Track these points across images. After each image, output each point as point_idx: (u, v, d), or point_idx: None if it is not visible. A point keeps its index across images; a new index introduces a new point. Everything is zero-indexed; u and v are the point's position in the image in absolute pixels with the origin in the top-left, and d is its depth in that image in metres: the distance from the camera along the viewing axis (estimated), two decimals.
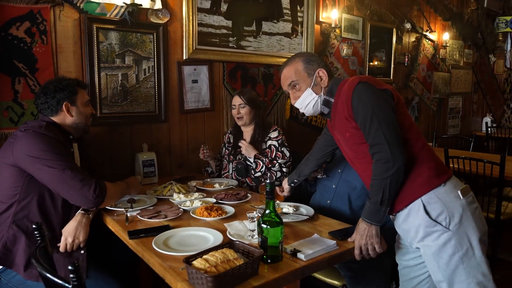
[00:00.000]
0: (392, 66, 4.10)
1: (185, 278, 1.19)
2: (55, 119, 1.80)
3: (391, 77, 4.13)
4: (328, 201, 2.03)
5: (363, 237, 1.43)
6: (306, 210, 1.81)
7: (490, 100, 5.82)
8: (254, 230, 1.47)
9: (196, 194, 2.04)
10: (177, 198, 1.99)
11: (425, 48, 4.53)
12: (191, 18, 2.59)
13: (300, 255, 1.32)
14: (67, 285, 1.03)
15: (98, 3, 2.26)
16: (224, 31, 2.79)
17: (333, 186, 2.03)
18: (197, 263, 1.16)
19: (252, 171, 2.42)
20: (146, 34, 2.45)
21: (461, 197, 1.39)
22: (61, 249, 1.68)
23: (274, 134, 2.46)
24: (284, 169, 2.38)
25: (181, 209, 1.82)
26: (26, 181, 1.65)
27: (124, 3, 2.24)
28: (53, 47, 2.15)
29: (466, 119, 5.43)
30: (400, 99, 1.47)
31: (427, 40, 4.52)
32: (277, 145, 2.42)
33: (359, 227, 1.45)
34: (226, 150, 2.61)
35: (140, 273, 2.13)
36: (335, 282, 1.85)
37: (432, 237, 1.40)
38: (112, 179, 2.30)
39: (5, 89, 2.03)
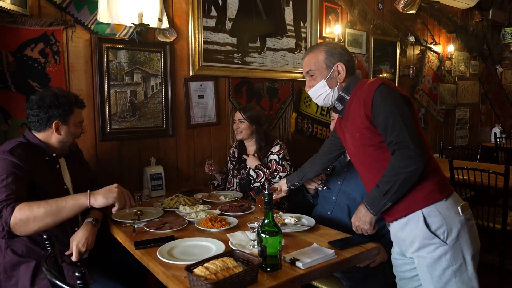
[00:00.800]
0: (397, 78, 4.15)
1: (187, 286, 1.25)
2: (39, 135, 1.76)
3: None
4: (329, 212, 2.07)
5: (359, 219, 1.54)
6: (307, 220, 1.85)
7: (499, 111, 5.80)
8: (255, 240, 1.52)
9: (202, 206, 2.10)
10: (183, 210, 2.05)
11: (430, 60, 4.57)
12: (197, 36, 2.70)
13: (299, 264, 1.36)
14: None
15: (108, 24, 2.38)
16: (229, 47, 2.88)
17: (333, 198, 2.07)
18: (198, 270, 1.21)
19: (252, 180, 2.48)
20: (154, 52, 2.56)
21: (460, 213, 1.43)
22: (75, 258, 1.71)
23: (275, 149, 2.52)
24: (274, 181, 2.44)
25: (186, 220, 1.88)
26: None
27: (132, 23, 2.35)
28: (65, 67, 2.26)
29: (475, 130, 5.41)
30: (415, 109, 1.50)
31: (432, 52, 4.57)
32: (278, 159, 2.48)
33: (359, 209, 1.55)
34: (231, 165, 2.67)
35: (148, 282, 2.18)
36: None
37: (429, 249, 1.43)
38: None
39: (20, 107, 2.13)
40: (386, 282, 1.81)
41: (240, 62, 2.95)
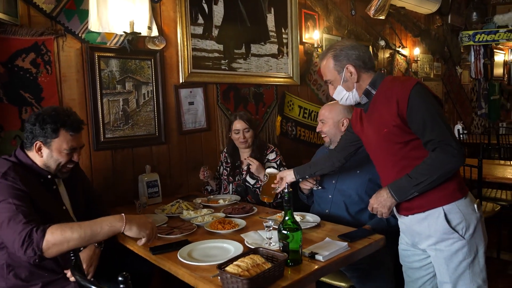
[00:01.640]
0: None
1: (218, 284, 1.29)
2: (30, 155, 1.66)
3: None
4: (327, 210, 2.16)
5: (378, 202, 1.57)
6: (312, 218, 1.94)
7: (460, 109, 6.19)
8: (271, 238, 1.58)
9: (205, 210, 2.13)
10: (187, 215, 2.07)
11: (399, 63, 4.83)
12: (185, 43, 2.73)
13: (318, 257, 1.44)
14: None
15: (99, 33, 2.36)
16: (216, 54, 2.94)
17: (329, 196, 2.16)
18: (230, 268, 1.26)
19: (250, 187, 2.52)
20: (144, 60, 2.57)
21: (477, 210, 1.53)
22: (69, 275, 1.66)
23: (272, 156, 2.57)
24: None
25: (194, 225, 1.91)
26: None
27: (124, 32, 2.35)
28: (57, 76, 2.23)
29: None
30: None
31: (400, 55, 4.83)
32: (276, 167, 2.53)
33: (381, 193, 1.57)
34: (225, 171, 2.69)
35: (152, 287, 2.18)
36: (342, 284, 1.96)
37: (447, 242, 1.51)
38: (116, 202, 2.38)
39: (12, 119, 2.09)
40: (388, 273, 1.93)
41: (227, 68, 3.01)
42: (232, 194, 2.60)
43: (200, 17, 2.83)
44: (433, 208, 1.51)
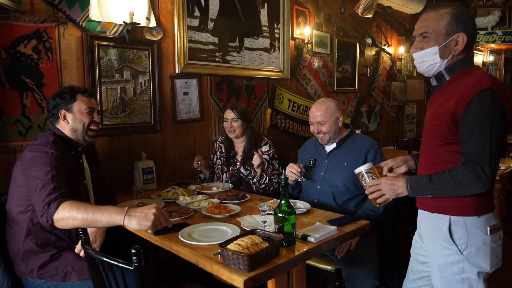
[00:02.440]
0: (356, 77, 4.51)
1: (218, 262, 1.40)
2: (60, 127, 1.90)
3: (356, 87, 4.53)
4: (315, 200, 2.29)
5: (391, 186, 1.51)
6: (303, 205, 2.07)
7: None
8: (266, 221, 1.70)
9: (200, 196, 2.24)
10: (184, 200, 2.17)
11: (384, 61, 5.00)
12: (182, 35, 2.80)
13: (310, 239, 1.57)
14: (129, 267, 1.22)
15: (99, 22, 2.42)
16: (211, 46, 3.02)
17: (318, 187, 2.28)
18: (231, 247, 1.37)
19: (258, 182, 2.60)
20: (142, 50, 2.63)
21: (488, 233, 1.40)
22: (77, 250, 1.81)
23: (265, 148, 2.67)
24: (273, 180, 2.60)
25: (191, 209, 2.02)
26: None
27: (123, 22, 2.41)
28: (57, 63, 2.28)
29: (421, 124, 5.97)
30: (508, 122, 1.37)
31: (385, 53, 5.00)
32: (268, 159, 2.65)
33: (399, 180, 1.50)
34: (219, 160, 2.79)
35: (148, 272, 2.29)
36: (329, 267, 2.11)
37: (444, 251, 1.45)
38: (112, 187, 2.46)
39: (14, 104, 2.14)
40: (373, 257, 2.06)
41: (221, 61, 3.10)
42: (225, 182, 2.71)
43: (196, 10, 2.91)
44: (441, 214, 1.46)
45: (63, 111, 1.88)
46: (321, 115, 2.23)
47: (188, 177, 2.93)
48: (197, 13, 2.91)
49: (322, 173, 2.29)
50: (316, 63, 3.91)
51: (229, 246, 1.38)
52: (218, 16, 3.05)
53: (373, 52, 4.81)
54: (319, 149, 2.37)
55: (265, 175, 2.58)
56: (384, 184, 1.54)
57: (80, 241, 1.78)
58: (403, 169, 1.71)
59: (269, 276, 1.38)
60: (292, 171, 2.20)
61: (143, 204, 2.07)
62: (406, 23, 5.33)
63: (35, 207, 1.64)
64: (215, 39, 3.04)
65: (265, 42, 3.42)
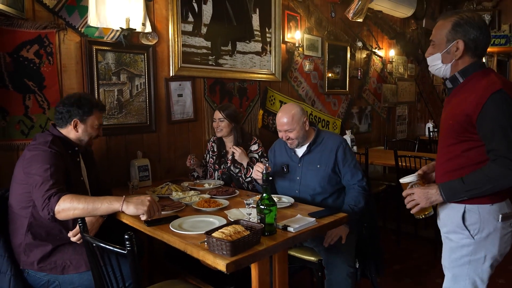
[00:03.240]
0: (347, 79, 4.65)
1: (204, 249, 1.54)
2: (62, 131, 2.01)
3: (347, 89, 4.68)
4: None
5: (423, 194, 1.58)
6: (287, 199, 2.21)
7: (431, 108, 6.58)
8: (251, 214, 1.84)
9: (192, 192, 2.38)
10: (176, 195, 2.31)
11: (375, 63, 5.15)
12: (176, 39, 2.95)
13: (290, 229, 1.71)
14: (122, 251, 1.36)
15: (97, 28, 2.56)
16: (205, 50, 3.17)
17: (296, 191, 2.36)
18: (216, 234, 1.51)
19: (244, 176, 2.74)
20: (138, 54, 2.78)
21: (499, 220, 1.51)
22: (71, 234, 1.91)
23: (254, 147, 2.82)
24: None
25: (183, 203, 2.16)
26: None
27: (120, 27, 2.55)
28: (58, 67, 2.42)
29: (412, 125, 6.12)
30: None
31: (376, 56, 5.15)
32: (257, 157, 2.79)
33: (431, 187, 1.58)
34: (211, 159, 2.93)
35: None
36: (312, 258, 2.25)
37: (457, 236, 1.58)
38: (110, 184, 2.60)
39: (17, 105, 2.28)
40: (351, 247, 2.21)
41: (214, 64, 3.24)
42: (217, 180, 2.84)
43: (190, 15, 3.05)
44: (456, 203, 1.56)
45: (76, 120, 2.00)
46: (288, 122, 2.25)
47: (182, 175, 3.06)
48: (190, 18, 3.05)
49: (298, 178, 2.37)
50: (307, 66, 4.05)
51: (214, 234, 1.52)
52: (211, 21, 3.19)
53: (363, 55, 4.96)
54: (290, 153, 2.41)
55: (251, 169, 2.71)
56: (418, 193, 1.60)
57: (77, 228, 1.92)
58: (434, 175, 1.77)
59: (250, 261, 1.51)
60: (257, 170, 2.24)
61: None
62: (397, 27, 5.48)
63: (35, 202, 1.77)
64: (208, 43, 3.19)
65: (257, 46, 3.57)
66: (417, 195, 1.60)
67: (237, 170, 2.78)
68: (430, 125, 6.25)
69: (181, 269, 2.64)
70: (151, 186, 2.67)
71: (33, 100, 2.33)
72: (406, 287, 2.91)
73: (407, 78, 5.87)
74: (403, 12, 5.33)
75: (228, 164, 2.82)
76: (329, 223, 1.87)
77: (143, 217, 1.78)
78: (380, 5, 4.91)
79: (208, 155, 2.98)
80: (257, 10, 3.54)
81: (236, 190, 2.44)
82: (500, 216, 1.51)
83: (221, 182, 2.71)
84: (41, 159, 1.80)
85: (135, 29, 2.61)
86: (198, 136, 3.21)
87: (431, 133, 5.94)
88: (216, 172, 2.87)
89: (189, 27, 3.05)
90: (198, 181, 2.76)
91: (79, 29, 2.50)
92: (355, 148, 4.17)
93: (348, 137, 4.21)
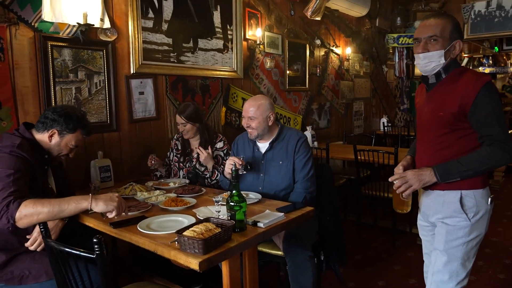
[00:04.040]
0: (307, 76, 4.76)
1: (175, 248, 1.53)
2: (36, 135, 1.91)
3: (307, 86, 4.78)
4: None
5: (417, 176, 1.65)
6: (254, 195, 2.23)
7: (385, 104, 6.88)
8: (220, 211, 1.85)
9: (158, 191, 2.34)
10: (141, 195, 2.26)
11: (333, 61, 5.30)
12: (136, 36, 2.88)
13: (260, 224, 1.74)
14: (91, 255, 1.32)
15: (52, 23, 2.44)
16: (166, 47, 3.11)
17: (260, 188, 2.39)
18: (187, 233, 1.51)
19: (209, 179, 2.73)
20: (97, 50, 2.68)
21: (489, 203, 1.68)
22: (28, 244, 1.81)
23: (220, 145, 2.81)
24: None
25: (149, 203, 2.12)
26: None
27: (77, 23, 2.45)
28: (10, 64, 2.29)
29: (368, 120, 6.37)
30: None
31: (334, 54, 5.30)
32: (223, 155, 2.79)
33: (424, 170, 1.65)
34: (175, 157, 2.89)
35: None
36: (279, 253, 2.29)
37: (454, 219, 1.68)
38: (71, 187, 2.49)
39: None
40: (308, 235, 2.24)
41: (176, 61, 3.20)
42: (182, 178, 2.81)
43: (150, 11, 2.99)
44: (453, 190, 1.67)
45: (55, 131, 1.91)
46: (253, 110, 2.30)
47: (145, 174, 3.00)
48: (151, 14, 2.99)
49: (261, 175, 2.40)
50: (268, 63, 4.10)
51: (185, 233, 1.51)
52: (172, 18, 3.14)
53: (322, 53, 5.09)
54: (253, 149, 2.45)
55: (216, 172, 2.71)
56: (410, 175, 1.67)
57: (32, 235, 1.83)
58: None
59: (222, 258, 1.53)
60: (231, 163, 2.21)
61: None
62: (352, 26, 5.66)
63: None
64: (170, 40, 3.14)
65: (218, 43, 3.56)
66: (410, 177, 1.66)
67: (203, 169, 2.77)
68: (384, 120, 6.53)
69: (147, 271, 2.60)
70: (113, 187, 2.60)
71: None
72: (367, 275, 3.05)
73: (363, 75, 6.10)
74: (358, 11, 5.52)
75: (194, 163, 2.79)
76: (296, 217, 1.92)
77: (112, 214, 1.74)
78: (336, 4, 5.06)
79: (172, 153, 2.94)
80: (218, 7, 3.53)
81: (203, 188, 2.43)
82: (489, 199, 1.68)
83: (186, 181, 2.69)
84: (5, 162, 1.68)
85: (93, 25, 2.51)
86: (161, 135, 3.15)
87: (386, 128, 6.22)
88: (181, 171, 2.84)
89: (149, 23, 2.98)
90: (162, 180, 2.72)
91: (33, 24, 2.37)
92: (315, 143, 4.27)
93: (308, 133, 4.31)
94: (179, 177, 2.84)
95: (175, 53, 3.19)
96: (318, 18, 4.63)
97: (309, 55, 4.77)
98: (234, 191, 1.71)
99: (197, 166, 2.78)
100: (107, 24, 2.67)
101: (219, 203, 1.85)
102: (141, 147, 3.01)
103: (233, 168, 1.73)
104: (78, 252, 1.35)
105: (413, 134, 5.94)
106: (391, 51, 6.74)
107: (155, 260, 2.63)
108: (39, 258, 1.81)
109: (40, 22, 2.39)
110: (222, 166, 2.73)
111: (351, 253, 3.40)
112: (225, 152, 2.81)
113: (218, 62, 3.57)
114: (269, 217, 1.83)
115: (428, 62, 1.66)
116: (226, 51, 3.63)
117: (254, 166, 2.42)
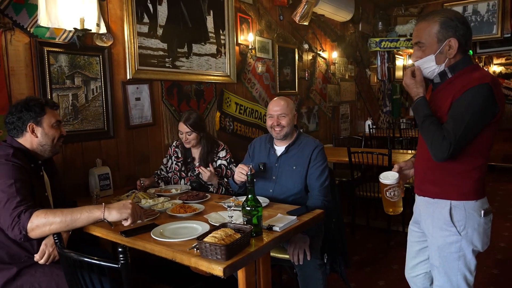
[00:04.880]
0: (296, 80, 4.80)
1: (195, 255, 1.51)
2: (21, 141, 1.84)
3: (296, 90, 4.83)
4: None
5: (412, 84, 1.61)
6: (262, 199, 2.22)
7: (369, 107, 7.02)
8: (232, 216, 1.83)
9: (162, 198, 2.31)
10: (146, 203, 2.22)
11: (320, 65, 5.37)
12: (132, 41, 2.83)
13: (275, 228, 1.74)
14: (115, 265, 1.29)
15: (48, 28, 2.38)
16: (161, 52, 3.08)
17: (270, 191, 2.39)
18: (208, 239, 1.49)
19: (210, 187, 2.68)
20: (93, 56, 2.63)
21: (482, 216, 1.59)
22: (37, 258, 1.75)
23: (222, 154, 2.76)
24: (230, 189, 2.64)
25: (156, 211, 2.08)
26: None
27: (74, 28, 2.39)
28: (5, 70, 2.21)
29: (353, 123, 6.47)
30: (500, 119, 1.54)
31: (321, 58, 5.37)
32: (226, 164, 2.75)
33: (420, 86, 1.61)
34: (176, 165, 2.83)
35: None
36: (286, 256, 2.28)
37: (444, 233, 1.62)
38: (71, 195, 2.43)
39: None
40: (317, 242, 2.26)
41: (171, 66, 3.17)
42: (183, 185, 2.76)
43: (145, 16, 2.95)
44: (443, 199, 1.62)
45: (31, 124, 1.83)
46: (283, 108, 2.30)
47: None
48: (146, 19, 2.95)
49: (274, 177, 2.40)
50: (259, 68, 4.12)
51: (205, 239, 1.50)
52: (167, 23, 3.12)
53: (310, 57, 5.15)
54: (269, 152, 2.44)
55: (222, 187, 2.66)
56: (408, 77, 1.62)
57: (40, 248, 1.77)
58: (412, 171, 1.84)
59: (244, 263, 1.52)
60: (241, 172, 2.23)
61: None
62: (337, 30, 5.76)
63: (1, 222, 1.60)
64: (165, 45, 3.11)
65: (212, 48, 3.55)
66: (407, 79, 1.62)
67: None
68: (369, 122, 6.66)
69: (154, 280, 2.55)
70: (113, 195, 2.54)
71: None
72: (367, 275, 3.09)
73: (348, 79, 6.20)
74: (343, 16, 5.62)
75: (196, 171, 2.73)
76: (309, 220, 1.93)
77: (127, 222, 1.70)
78: (322, 9, 5.13)
79: (170, 161, 2.90)
80: (211, 12, 3.52)
81: (207, 194, 2.41)
82: (482, 212, 1.59)
83: (188, 187, 2.65)
84: (4, 173, 1.63)
85: (90, 30, 2.46)
86: (157, 141, 3.11)
87: (371, 130, 6.34)
88: (183, 180, 2.79)
89: (145, 28, 2.95)
90: (163, 186, 2.68)
91: (28, 29, 2.30)
92: None
93: None
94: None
95: (170, 58, 3.16)
96: (306, 23, 4.70)
97: (298, 60, 4.82)
98: (249, 196, 1.70)
99: (200, 176, 2.72)
100: (103, 29, 2.62)
101: (232, 208, 1.84)
102: (138, 153, 2.96)
103: (248, 173, 1.72)
104: (100, 263, 1.32)
105: (398, 135, 6.09)
106: (372, 55, 6.90)
107: (160, 269, 2.58)
108: (48, 271, 1.75)
109: (36, 27, 2.33)
110: (228, 174, 2.71)
111: (349, 254, 3.43)
112: (228, 160, 2.76)
113: (212, 67, 3.56)
114: (283, 220, 1.83)
115: (424, 68, 1.63)
116: (219, 56, 3.63)
117: (267, 168, 2.41)
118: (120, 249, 1.27)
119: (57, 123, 1.92)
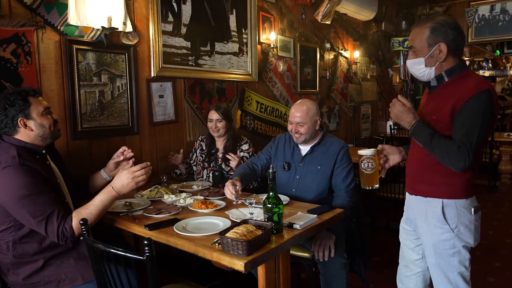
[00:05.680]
0: (317, 79, 4.79)
1: (217, 249, 1.54)
2: (19, 137, 1.78)
3: (317, 89, 4.81)
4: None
5: (399, 113, 1.67)
6: (283, 197, 2.23)
7: None
8: (253, 213, 1.86)
9: (184, 194, 2.35)
10: (169, 198, 2.27)
11: (341, 64, 5.33)
12: (157, 39, 2.89)
13: (296, 226, 1.75)
14: (140, 257, 1.33)
15: (77, 26, 2.45)
16: (185, 51, 3.13)
17: (293, 190, 2.40)
18: (230, 234, 1.52)
19: (225, 173, 2.76)
20: (119, 54, 2.69)
21: (472, 213, 1.66)
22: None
23: (245, 147, 2.84)
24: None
25: (178, 206, 2.13)
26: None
27: (102, 26, 2.46)
28: (37, 67, 2.29)
29: (374, 123, 6.41)
30: (496, 120, 1.66)
31: (343, 57, 5.33)
32: (248, 157, 2.80)
33: (410, 114, 1.65)
34: (200, 157, 2.91)
35: None
36: (305, 254, 2.31)
37: (438, 230, 1.68)
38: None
39: None
40: (341, 241, 2.27)
41: (194, 64, 3.21)
42: (206, 179, 2.83)
43: (170, 15, 3.00)
44: (435, 197, 1.68)
45: (21, 119, 1.75)
46: (301, 116, 2.27)
47: (164, 173, 2.99)
48: (170, 18, 3.01)
49: (297, 177, 2.40)
50: (281, 67, 4.12)
51: (227, 235, 1.53)
52: (191, 22, 3.16)
53: (331, 56, 5.12)
54: (293, 150, 2.43)
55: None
56: (398, 107, 1.68)
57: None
58: (397, 158, 1.93)
59: (265, 259, 1.54)
60: (231, 191, 2.08)
61: (129, 203, 2.16)
62: (360, 29, 5.70)
63: (41, 232, 1.69)
64: (188, 44, 3.15)
65: (234, 47, 3.58)
66: (396, 109, 1.67)
67: (228, 169, 2.78)
68: (390, 123, 6.57)
69: (172, 273, 2.60)
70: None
71: None
72: (386, 277, 3.06)
73: (370, 78, 6.13)
74: (366, 15, 5.56)
75: (219, 162, 2.81)
76: (329, 219, 1.93)
77: (139, 184, 1.85)
78: (345, 8, 5.09)
79: (194, 154, 2.96)
80: (234, 11, 3.55)
81: None
82: (473, 209, 1.67)
83: (209, 183, 2.70)
84: (17, 181, 1.63)
85: (117, 28, 2.53)
86: (179, 137, 3.16)
87: (392, 131, 6.26)
88: (206, 170, 2.85)
89: (169, 27, 3.00)
90: (185, 183, 2.73)
91: (58, 28, 2.38)
92: None
93: None
94: (202, 177, 2.85)
95: (193, 57, 3.20)
96: (328, 22, 4.67)
97: (319, 59, 4.80)
98: (271, 193, 1.72)
99: (223, 165, 2.79)
100: (129, 28, 2.69)
101: (253, 205, 1.86)
102: (161, 149, 3.02)
103: (271, 171, 1.74)
104: (126, 254, 1.36)
105: None
106: (395, 55, 6.80)
107: (176, 263, 2.63)
108: (73, 261, 1.81)
109: (66, 25, 2.40)
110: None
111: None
112: (250, 154, 2.84)
113: (234, 66, 3.59)
114: (303, 219, 1.84)
115: (413, 70, 1.72)
116: (241, 54, 3.65)
117: (291, 167, 2.42)
118: (145, 242, 1.31)
119: (46, 110, 1.83)
